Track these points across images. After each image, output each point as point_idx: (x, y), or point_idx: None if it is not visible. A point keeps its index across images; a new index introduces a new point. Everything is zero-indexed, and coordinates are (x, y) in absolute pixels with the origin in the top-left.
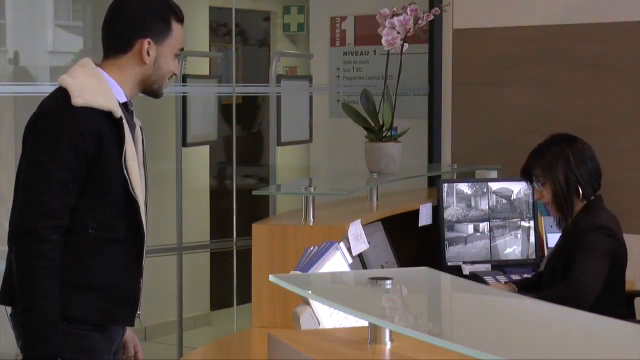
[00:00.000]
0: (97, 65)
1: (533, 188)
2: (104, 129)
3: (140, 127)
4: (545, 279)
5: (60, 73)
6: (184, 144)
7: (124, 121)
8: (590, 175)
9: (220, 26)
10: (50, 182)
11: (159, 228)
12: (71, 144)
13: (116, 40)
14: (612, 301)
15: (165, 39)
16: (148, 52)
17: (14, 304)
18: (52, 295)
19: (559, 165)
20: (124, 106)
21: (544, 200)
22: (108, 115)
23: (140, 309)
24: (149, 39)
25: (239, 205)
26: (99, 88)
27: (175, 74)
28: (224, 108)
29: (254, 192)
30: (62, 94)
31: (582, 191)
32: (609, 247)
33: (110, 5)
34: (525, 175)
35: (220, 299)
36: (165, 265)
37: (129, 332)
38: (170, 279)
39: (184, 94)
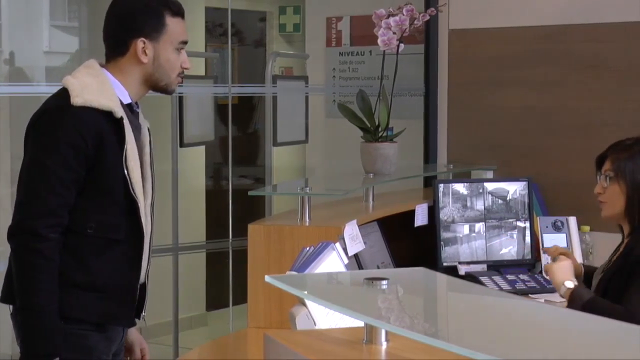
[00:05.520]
0: (102, 66)
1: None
2: (104, 129)
3: (149, 129)
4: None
5: (56, 73)
6: (181, 144)
7: (126, 121)
8: None
9: (216, 26)
10: (49, 180)
11: (155, 228)
12: (70, 143)
13: (113, 43)
14: None
15: (160, 35)
16: (145, 52)
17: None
18: (50, 294)
19: None
20: (129, 107)
21: (602, 197)
22: (109, 115)
23: (145, 310)
24: (142, 38)
25: (235, 205)
26: (101, 88)
27: (186, 68)
28: (220, 108)
29: (250, 193)
30: (64, 93)
31: None
32: None
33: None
34: (597, 162)
35: (216, 299)
36: (161, 265)
37: (136, 334)
38: (166, 279)
39: (180, 95)
